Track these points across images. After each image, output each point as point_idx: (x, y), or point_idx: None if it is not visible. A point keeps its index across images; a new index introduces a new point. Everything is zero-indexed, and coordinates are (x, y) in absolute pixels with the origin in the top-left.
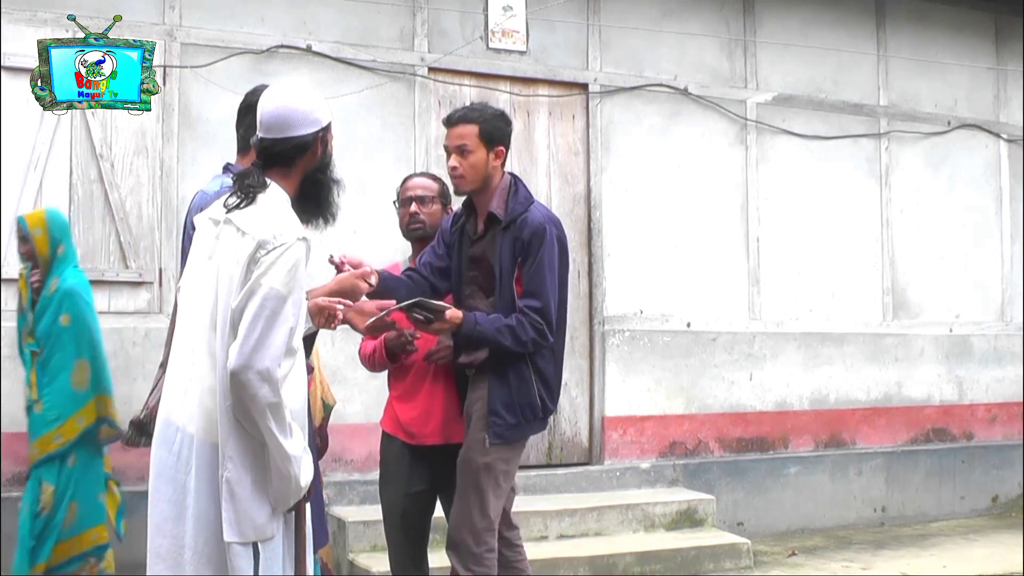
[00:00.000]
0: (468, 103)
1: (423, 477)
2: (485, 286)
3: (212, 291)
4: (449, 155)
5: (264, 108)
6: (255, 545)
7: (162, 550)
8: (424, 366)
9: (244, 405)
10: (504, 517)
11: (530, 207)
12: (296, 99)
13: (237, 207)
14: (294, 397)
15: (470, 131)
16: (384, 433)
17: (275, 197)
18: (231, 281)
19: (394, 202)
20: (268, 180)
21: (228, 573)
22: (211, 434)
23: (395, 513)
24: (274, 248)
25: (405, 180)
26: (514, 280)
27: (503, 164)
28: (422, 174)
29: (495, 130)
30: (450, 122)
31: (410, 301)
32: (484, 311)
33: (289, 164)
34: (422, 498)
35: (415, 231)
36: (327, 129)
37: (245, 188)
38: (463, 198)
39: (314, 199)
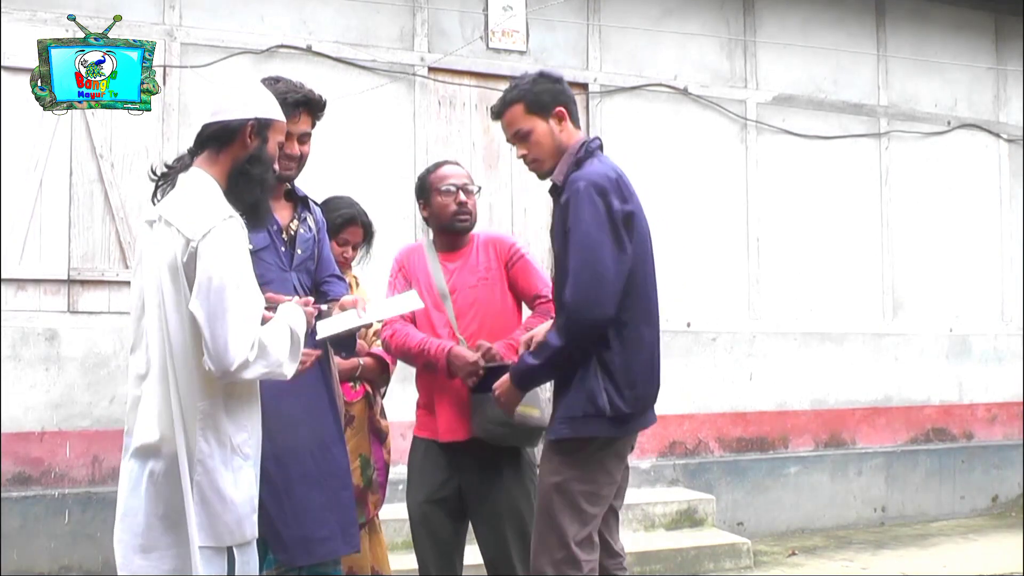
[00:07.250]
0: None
1: (451, 476)
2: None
3: (156, 295)
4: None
5: (207, 94)
6: (230, 550)
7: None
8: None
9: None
10: (604, 544)
11: (584, 164)
12: (234, 87)
13: (162, 192)
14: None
15: (516, 111)
16: (415, 439)
17: (197, 178)
18: (167, 278)
19: (419, 198)
20: (192, 163)
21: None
22: (168, 443)
23: (419, 518)
24: (203, 237)
25: (435, 169)
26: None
27: (573, 123)
28: (448, 162)
29: (541, 94)
30: (496, 116)
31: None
32: None
33: (216, 149)
34: (449, 501)
35: (463, 223)
36: (265, 125)
37: (166, 170)
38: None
39: (238, 194)
